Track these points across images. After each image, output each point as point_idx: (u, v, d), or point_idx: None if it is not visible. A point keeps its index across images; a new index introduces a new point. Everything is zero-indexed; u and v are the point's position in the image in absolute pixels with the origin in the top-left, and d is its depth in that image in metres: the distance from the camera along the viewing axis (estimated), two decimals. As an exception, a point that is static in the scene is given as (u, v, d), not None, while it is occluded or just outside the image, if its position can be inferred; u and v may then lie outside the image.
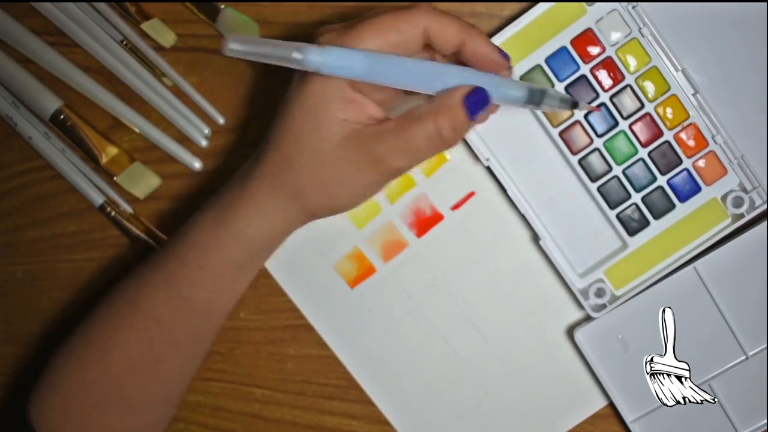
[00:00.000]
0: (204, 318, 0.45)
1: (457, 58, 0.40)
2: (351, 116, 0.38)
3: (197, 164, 0.51)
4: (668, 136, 0.47)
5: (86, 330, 0.46)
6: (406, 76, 0.36)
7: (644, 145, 0.47)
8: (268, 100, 0.51)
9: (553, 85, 0.46)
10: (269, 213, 0.41)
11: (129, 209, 0.52)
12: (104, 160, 0.51)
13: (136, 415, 0.46)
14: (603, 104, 0.47)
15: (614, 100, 0.47)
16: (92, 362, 0.45)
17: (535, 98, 0.40)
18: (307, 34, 0.49)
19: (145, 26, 0.50)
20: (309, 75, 0.38)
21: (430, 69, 0.37)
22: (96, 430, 0.45)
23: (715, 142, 0.46)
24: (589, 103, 0.47)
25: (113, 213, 0.52)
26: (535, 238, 0.49)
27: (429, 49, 0.39)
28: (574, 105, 0.42)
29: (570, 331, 0.50)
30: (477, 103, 0.38)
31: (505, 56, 0.39)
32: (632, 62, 0.46)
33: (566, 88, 0.46)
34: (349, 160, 0.38)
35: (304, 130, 0.38)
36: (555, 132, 0.47)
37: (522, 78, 0.47)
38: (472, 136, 0.47)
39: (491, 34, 0.46)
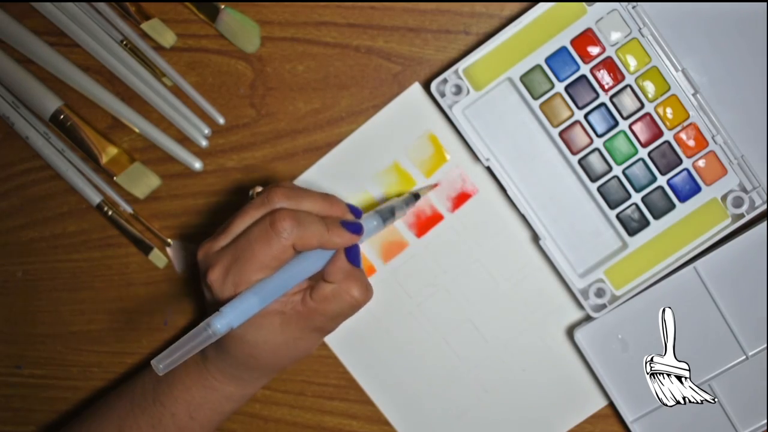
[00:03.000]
0: None
1: None
2: (282, 307, 0.43)
3: (197, 164, 0.51)
4: (668, 136, 0.47)
5: None
6: (291, 284, 0.41)
7: (644, 145, 0.47)
8: (267, 100, 0.51)
9: (553, 86, 0.46)
10: (249, 382, 0.48)
11: (129, 209, 0.52)
12: (104, 160, 0.51)
13: None
14: (603, 104, 0.47)
15: (614, 100, 0.47)
16: None
17: (387, 217, 0.46)
18: (309, 33, 0.49)
19: (145, 26, 0.50)
20: (213, 295, 0.42)
21: (306, 269, 0.42)
22: None
23: (715, 142, 0.46)
24: (589, 103, 0.47)
25: (111, 212, 0.52)
26: (535, 238, 0.49)
27: None
28: (416, 197, 0.49)
29: (570, 331, 0.50)
30: (356, 255, 0.43)
31: (357, 229, 0.43)
32: (632, 62, 0.46)
33: (566, 88, 0.46)
34: (296, 338, 0.43)
35: (247, 335, 0.43)
36: (555, 132, 0.47)
37: (522, 78, 0.47)
38: (472, 136, 0.47)
39: (491, 34, 0.46)
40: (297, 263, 0.41)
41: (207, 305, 0.45)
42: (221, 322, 0.38)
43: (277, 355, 0.44)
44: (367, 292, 0.43)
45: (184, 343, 0.37)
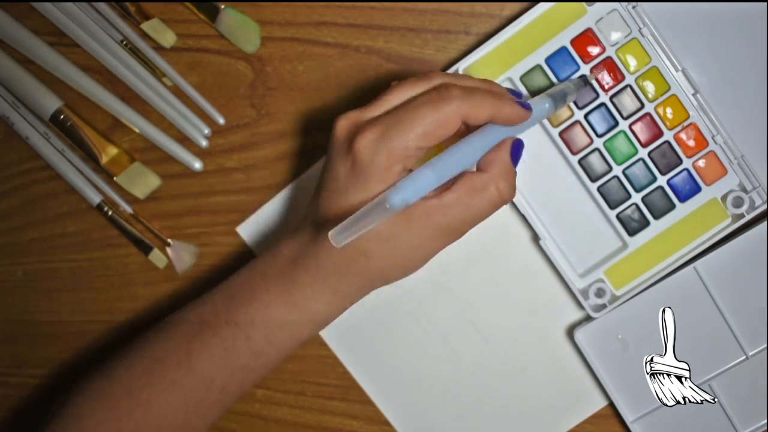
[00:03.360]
0: (257, 379, 0.44)
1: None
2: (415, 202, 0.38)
3: (197, 164, 0.51)
4: (668, 136, 0.47)
5: (125, 380, 0.44)
6: (466, 163, 0.38)
7: (644, 145, 0.47)
8: (267, 100, 0.51)
9: (552, 84, 0.47)
10: (343, 295, 0.41)
11: (129, 209, 0.52)
12: (104, 160, 0.51)
13: None
14: (603, 104, 0.47)
15: (614, 100, 0.47)
16: (132, 415, 0.43)
17: (559, 102, 0.42)
18: (309, 33, 0.49)
19: (145, 26, 0.50)
20: (362, 172, 0.38)
21: (480, 144, 0.38)
22: None
23: (715, 142, 0.46)
24: (589, 103, 0.47)
25: (110, 212, 0.52)
26: (535, 238, 0.49)
27: None
28: (586, 82, 0.45)
29: (570, 331, 0.50)
30: (518, 152, 0.40)
31: (527, 106, 0.40)
32: (632, 62, 0.46)
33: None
34: (421, 237, 0.39)
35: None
36: (555, 132, 0.47)
37: (522, 78, 0.47)
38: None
39: (491, 34, 0.46)
40: (469, 140, 0.38)
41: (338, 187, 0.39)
42: (397, 197, 0.33)
43: (394, 257, 0.39)
44: (513, 193, 0.39)
45: (359, 217, 0.33)
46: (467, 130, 0.39)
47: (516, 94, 0.40)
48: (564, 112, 0.47)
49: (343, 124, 0.39)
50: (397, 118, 0.37)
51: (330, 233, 0.33)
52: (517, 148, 0.40)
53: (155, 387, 0.43)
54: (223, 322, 0.43)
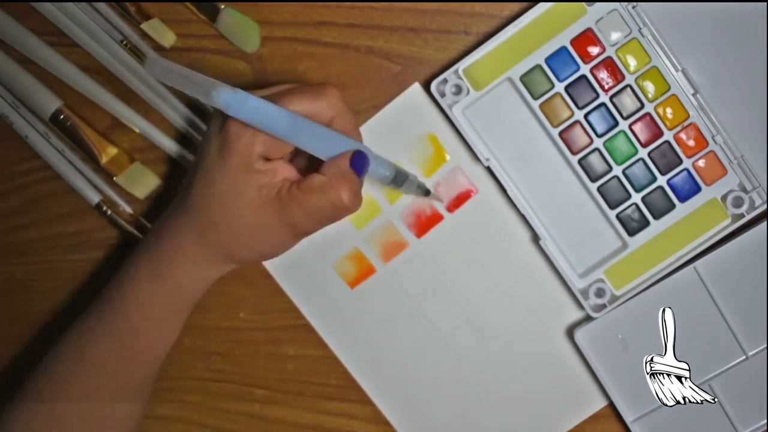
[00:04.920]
0: (147, 362, 0.46)
1: None
2: (266, 183, 0.41)
3: (197, 164, 0.51)
4: (668, 136, 0.47)
5: (35, 381, 0.47)
6: (309, 141, 0.40)
7: (644, 145, 0.47)
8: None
9: (553, 86, 0.46)
10: (202, 265, 0.44)
11: (128, 209, 0.52)
12: (104, 160, 0.51)
13: None
14: (603, 104, 0.47)
15: (614, 100, 0.47)
16: (41, 412, 0.46)
17: (399, 178, 0.45)
18: (309, 33, 0.49)
19: (145, 26, 0.50)
20: (229, 145, 0.41)
21: (324, 134, 0.41)
22: None
23: (715, 142, 0.46)
24: (589, 103, 0.47)
25: (109, 212, 0.52)
26: (535, 238, 0.49)
27: None
28: (427, 192, 0.48)
29: (570, 331, 0.50)
30: (360, 164, 0.42)
31: (360, 163, 0.43)
32: (632, 62, 0.46)
33: (566, 88, 0.46)
34: (267, 224, 0.42)
35: (227, 194, 0.42)
36: (555, 132, 0.47)
37: (522, 78, 0.47)
38: (472, 136, 0.47)
39: (491, 34, 0.46)
40: (319, 126, 0.41)
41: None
42: (228, 95, 0.35)
43: (241, 235, 0.42)
44: (355, 199, 0.42)
45: (184, 72, 0.35)
46: None
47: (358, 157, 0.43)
48: (564, 112, 0.47)
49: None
50: (274, 97, 0.40)
51: (149, 56, 0.35)
52: (359, 159, 0.42)
53: (56, 382, 0.46)
54: (105, 307, 0.45)
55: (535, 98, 0.47)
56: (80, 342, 0.46)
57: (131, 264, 0.45)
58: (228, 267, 0.45)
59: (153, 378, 0.47)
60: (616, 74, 0.46)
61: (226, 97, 0.35)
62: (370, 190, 0.51)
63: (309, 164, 0.46)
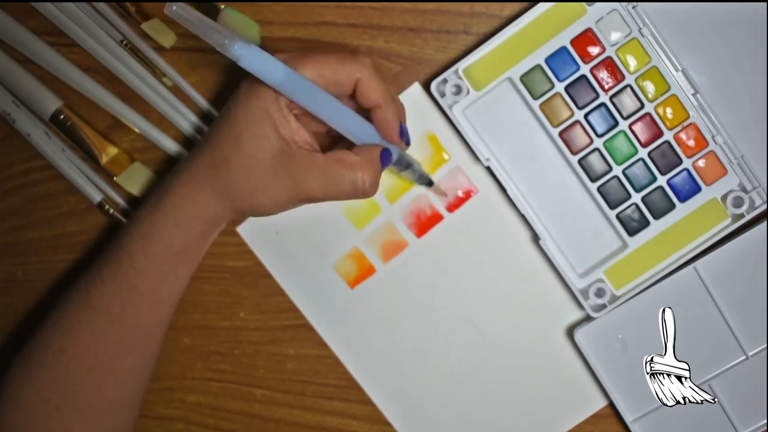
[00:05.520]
0: (152, 308, 0.46)
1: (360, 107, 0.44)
2: (288, 134, 0.42)
3: (197, 164, 0.51)
4: (668, 136, 0.47)
5: (42, 333, 0.46)
6: (313, 99, 0.40)
7: (644, 145, 0.47)
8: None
9: (553, 86, 0.46)
10: (201, 203, 0.44)
11: (129, 210, 0.52)
12: (104, 160, 0.51)
13: (96, 419, 0.46)
14: (603, 104, 0.47)
15: (614, 100, 0.47)
16: (49, 365, 0.45)
17: (402, 162, 0.46)
18: (309, 33, 0.49)
19: (145, 26, 0.50)
20: (256, 86, 0.41)
21: (336, 106, 0.41)
22: None
23: (715, 142, 0.46)
24: (589, 103, 0.47)
25: (111, 210, 0.52)
26: (535, 238, 0.49)
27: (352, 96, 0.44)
28: (430, 183, 0.49)
29: (570, 331, 0.50)
30: (386, 160, 0.43)
31: (405, 137, 0.45)
32: (632, 62, 0.46)
33: (566, 88, 0.46)
34: (276, 174, 0.42)
35: (244, 134, 0.42)
36: (555, 132, 0.47)
37: (522, 78, 0.47)
38: (472, 136, 0.47)
39: (491, 34, 0.46)
40: (329, 98, 0.41)
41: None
42: (242, 49, 0.35)
43: (247, 179, 0.42)
44: (373, 187, 0.43)
45: (204, 21, 0.35)
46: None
47: (403, 134, 0.45)
48: (564, 112, 0.47)
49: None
50: (303, 53, 0.41)
51: (174, 3, 0.35)
52: (387, 155, 0.43)
53: (63, 332, 0.45)
54: (112, 248, 0.46)
55: (535, 98, 0.47)
56: (88, 288, 0.46)
57: (144, 202, 0.45)
58: (224, 213, 0.44)
59: (159, 331, 0.47)
60: (616, 74, 0.46)
61: (240, 50, 0.36)
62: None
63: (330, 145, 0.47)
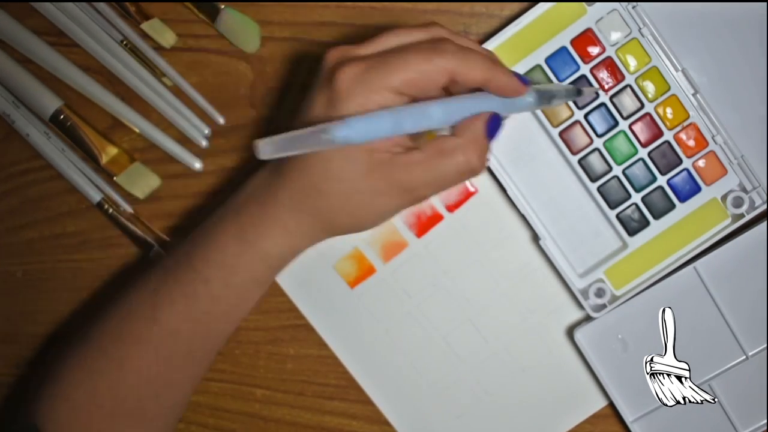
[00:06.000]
0: (221, 329, 0.45)
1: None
2: (378, 146, 0.38)
3: (197, 164, 0.51)
4: (668, 136, 0.47)
5: (98, 339, 0.45)
6: (428, 122, 0.37)
7: (644, 145, 0.47)
8: (268, 101, 0.51)
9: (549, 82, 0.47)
10: (295, 234, 0.41)
11: (129, 209, 0.52)
12: (104, 160, 0.51)
13: (148, 423, 0.45)
14: (603, 104, 0.47)
15: (614, 100, 0.47)
16: (106, 372, 0.44)
17: (543, 100, 0.41)
18: (309, 33, 0.49)
19: (145, 26, 0.50)
20: (336, 107, 0.37)
21: (450, 108, 0.38)
22: None
23: (715, 142, 0.46)
24: (589, 103, 0.47)
25: (111, 210, 0.52)
26: (535, 238, 0.49)
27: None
28: (579, 92, 0.44)
29: (570, 331, 0.50)
30: (495, 127, 0.39)
31: (525, 81, 0.40)
32: (632, 62, 0.46)
33: (566, 88, 0.47)
34: (378, 190, 0.38)
35: (332, 161, 0.38)
36: (555, 132, 0.47)
37: (522, 78, 0.47)
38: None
39: (491, 34, 0.46)
40: (441, 101, 0.37)
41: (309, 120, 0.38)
42: (344, 131, 0.32)
43: (347, 202, 0.39)
44: (483, 165, 0.39)
45: (297, 137, 0.33)
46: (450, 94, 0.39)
47: (524, 80, 0.40)
48: (564, 112, 0.47)
49: (333, 55, 0.38)
50: (385, 59, 0.37)
51: (257, 141, 0.33)
52: (494, 122, 0.39)
53: (125, 342, 0.44)
54: (184, 268, 0.43)
55: (535, 98, 0.47)
56: (155, 303, 0.43)
57: (215, 226, 0.42)
58: (321, 238, 0.42)
59: (221, 346, 0.46)
60: (616, 74, 0.46)
61: (340, 135, 0.33)
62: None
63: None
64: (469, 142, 0.38)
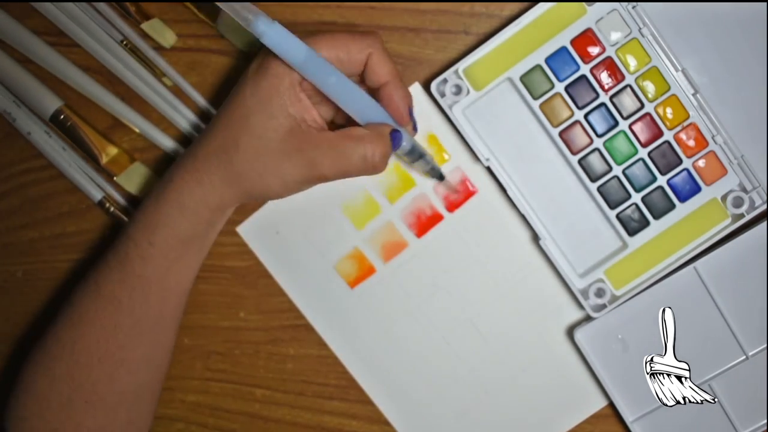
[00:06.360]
0: (160, 296, 0.46)
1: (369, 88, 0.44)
2: (298, 113, 0.42)
3: (197, 164, 0.51)
4: (668, 136, 0.47)
5: (55, 327, 0.47)
6: (325, 80, 0.40)
7: (644, 145, 0.47)
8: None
9: (553, 86, 0.46)
10: (206, 185, 0.43)
11: (130, 208, 0.52)
12: (104, 160, 0.51)
13: (108, 411, 0.46)
14: (603, 104, 0.47)
15: (614, 100, 0.47)
16: (60, 358, 0.45)
17: (414, 153, 0.46)
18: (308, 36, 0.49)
19: (145, 26, 0.50)
20: (266, 65, 0.41)
21: (347, 87, 0.41)
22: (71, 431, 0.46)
23: (715, 142, 0.46)
24: (589, 103, 0.47)
25: (112, 209, 0.52)
26: (535, 238, 0.49)
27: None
28: (441, 177, 0.49)
29: (570, 331, 0.50)
30: (397, 141, 0.43)
31: (413, 119, 0.45)
32: (632, 62, 0.46)
33: (566, 88, 0.46)
34: (287, 154, 0.42)
35: (254, 114, 0.42)
36: (555, 132, 0.47)
37: (522, 78, 0.47)
38: (472, 136, 0.47)
39: (491, 34, 0.46)
40: (347, 81, 0.41)
41: None
42: (264, 24, 0.37)
43: (257, 160, 0.42)
44: (383, 161, 0.42)
45: (240, 4, 0.37)
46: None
47: (411, 116, 0.45)
48: (564, 112, 0.47)
49: None
50: (316, 33, 0.41)
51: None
52: (397, 135, 0.43)
53: (74, 323, 0.46)
54: (119, 237, 0.46)
55: (535, 98, 0.47)
56: (96, 279, 0.46)
57: (150, 191, 0.45)
58: (231, 198, 0.44)
59: (170, 321, 0.47)
60: (616, 74, 0.46)
61: (264, 26, 0.37)
62: (370, 189, 0.51)
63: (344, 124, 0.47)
64: (377, 137, 0.42)
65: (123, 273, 0.45)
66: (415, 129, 0.46)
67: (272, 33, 0.37)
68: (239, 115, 0.42)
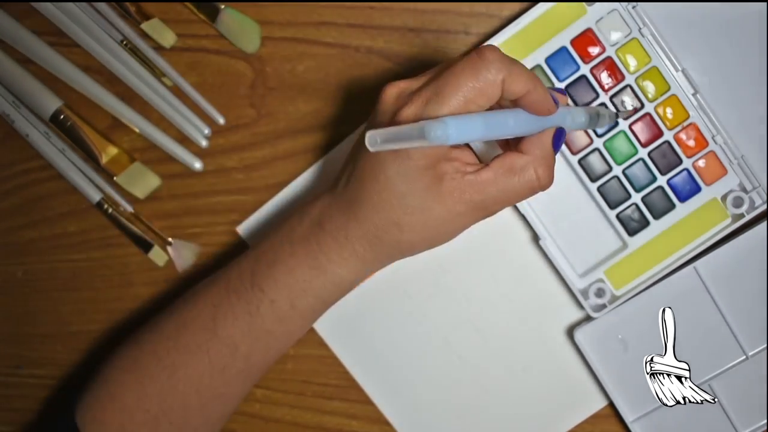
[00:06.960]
0: (280, 347, 0.45)
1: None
2: (451, 170, 0.39)
3: (197, 164, 0.51)
4: (668, 136, 0.47)
5: (152, 345, 0.45)
6: (506, 130, 0.37)
7: (644, 145, 0.47)
8: (267, 100, 0.51)
9: (553, 86, 0.46)
10: (370, 261, 0.42)
11: (129, 209, 0.52)
12: (104, 160, 0.51)
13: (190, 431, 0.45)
14: (603, 104, 0.47)
15: (614, 100, 0.47)
16: (157, 378, 0.44)
17: (593, 121, 0.43)
18: (309, 33, 0.49)
19: (145, 26, 0.50)
20: (415, 162, 0.38)
21: (519, 118, 0.38)
22: None
23: (715, 142, 0.46)
24: (590, 102, 0.47)
25: (111, 210, 0.52)
26: (535, 238, 0.49)
27: None
28: (617, 117, 0.46)
29: (570, 331, 0.50)
30: (560, 141, 0.40)
31: (557, 101, 0.40)
32: (632, 62, 0.46)
33: (566, 88, 0.46)
34: (456, 212, 0.39)
35: (409, 198, 0.39)
36: (555, 132, 0.47)
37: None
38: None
39: (491, 34, 0.46)
40: (520, 111, 0.37)
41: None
42: (441, 129, 0.32)
43: (425, 230, 0.39)
44: (551, 180, 0.40)
45: (398, 132, 0.32)
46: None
47: (555, 100, 0.39)
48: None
49: (391, 92, 0.39)
50: (437, 89, 0.37)
51: (369, 132, 0.33)
52: (559, 136, 0.40)
53: (180, 351, 0.44)
54: (248, 287, 0.43)
55: (535, 98, 0.47)
56: (215, 317, 0.43)
57: (282, 248, 0.42)
58: (397, 259, 0.42)
59: (275, 361, 0.45)
60: (616, 74, 0.46)
61: (439, 132, 0.32)
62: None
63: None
64: (539, 159, 0.39)
65: (251, 325, 0.43)
66: (564, 94, 0.42)
67: (452, 132, 0.33)
68: (389, 195, 0.39)
